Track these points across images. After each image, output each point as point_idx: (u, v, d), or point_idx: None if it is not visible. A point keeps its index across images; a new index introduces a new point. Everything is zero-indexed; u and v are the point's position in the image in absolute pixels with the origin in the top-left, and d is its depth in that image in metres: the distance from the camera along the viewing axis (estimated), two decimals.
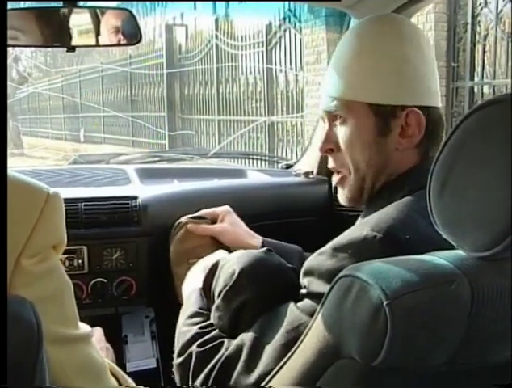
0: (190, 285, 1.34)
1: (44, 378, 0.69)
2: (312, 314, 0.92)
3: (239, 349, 1.04)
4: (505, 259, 0.80)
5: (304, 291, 1.03)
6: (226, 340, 1.10)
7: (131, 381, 1.03)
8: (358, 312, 0.78)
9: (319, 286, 0.99)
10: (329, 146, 1.22)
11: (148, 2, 11.58)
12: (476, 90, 5.63)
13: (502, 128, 0.77)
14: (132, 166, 2.12)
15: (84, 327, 0.90)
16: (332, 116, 1.21)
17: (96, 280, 1.71)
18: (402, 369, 0.81)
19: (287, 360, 0.92)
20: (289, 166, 2.19)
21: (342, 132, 1.19)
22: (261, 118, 7.67)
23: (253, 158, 3.02)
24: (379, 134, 1.16)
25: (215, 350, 1.09)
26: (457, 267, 0.79)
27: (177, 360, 1.14)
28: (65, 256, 1.66)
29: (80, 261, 1.68)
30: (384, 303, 0.75)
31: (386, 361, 0.77)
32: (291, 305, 1.03)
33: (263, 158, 3.28)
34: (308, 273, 1.03)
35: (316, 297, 0.97)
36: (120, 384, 0.98)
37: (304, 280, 1.04)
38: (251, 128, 7.83)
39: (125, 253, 1.72)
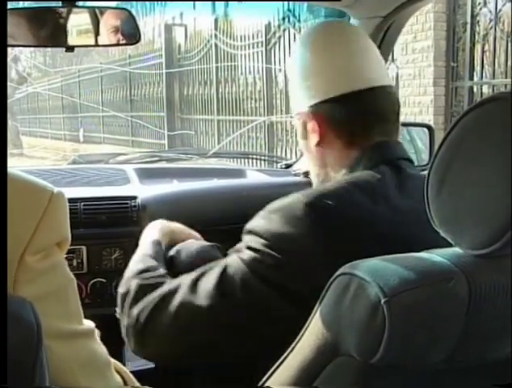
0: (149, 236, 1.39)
1: (43, 378, 0.69)
2: (249, 264, 1.02)
3: (178, 286, 1.10)
4: (503, 256, 0.81)
5: (242, 245, 1.09)
6: (168, 280, 1.15)
7: (134, 380, 1.03)
8: (356, 310, 0.79)
9: (256, 243, 1.05)
10: None
11: (147, 2, 11.59)
12: (475, 89, 5.64)
13: (500, 126, 0.77)
14: (131, 166, 2.12)
15: (88, 323, 0.90)
16: None
17: (95, 280, 1.71)
18: (400, 366, 0.81)
19: (285, 358, 0.92)
20: (288, 166, 2.19)
21: None
22: (260, 118, 7.68)
23: (252, 158, 3.02)
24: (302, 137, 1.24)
25: (156, 286, 1.14)
26: (455, 265, 0.80)
27: (119, 290, 1.22)
28: (64, 256, 1.65)
29: (79, 261, 1.69)
30: (382, 301, 0.75)
31: (384, 359, 0.77)
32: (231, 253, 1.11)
33: (262, 157, 3.28)
34: (249, 232, 1.09)
35: (254, 250, 1.04)
36: (124, 381, 0.98)
37: (245, 238, 1.10)
38: (250, 128, 7.84)
39: (124, 253, 1.72)
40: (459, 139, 0.82)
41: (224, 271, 1.05)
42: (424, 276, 0.78)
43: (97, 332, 0.92)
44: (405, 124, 2.07)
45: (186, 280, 1.09)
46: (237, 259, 1.06)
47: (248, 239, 1.08)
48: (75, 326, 0.86)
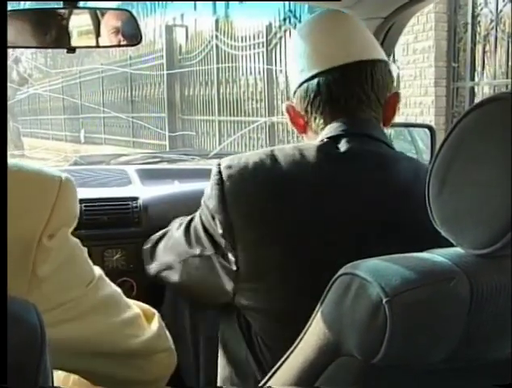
0: None
1: (47, 381, 0.69)
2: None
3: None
4: (505, 256, 0.81)
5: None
6: None
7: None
8: (358, 309, 0.79)
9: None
10: None
11: (148, 3, 11.60)
12: (476, 90, 5.64)
13: (501, 126, 0.77)
14: (132, 167, 2.12)
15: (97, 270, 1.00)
16: None
17: None
18: (402, 366, 0.81)
19: (286, 358, 0.93)
20: None
21: None
22: (261, 118, 7.68)
23: None
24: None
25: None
26: (456, 265, 0.80)
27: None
28: None
29: None
30: (384, 300, 0.75)
31: (386, 359, 0.77)
32: None
33: None
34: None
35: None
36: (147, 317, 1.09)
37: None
38: (252, 129, 7.84)
39: (126, 254, 1.72)
40: (460, 139, 0.82)
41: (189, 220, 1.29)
42: (425, 275, 0.78)
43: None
44: (407, 125, 2.08)
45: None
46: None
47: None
48: (87, 284, 0.95)
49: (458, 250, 0.84)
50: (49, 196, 0.85)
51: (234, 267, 1.13)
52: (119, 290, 1.04)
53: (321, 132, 1.19)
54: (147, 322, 1.07)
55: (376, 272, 0.79)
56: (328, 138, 1.16)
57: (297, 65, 1.22)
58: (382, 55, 1.24)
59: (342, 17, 1.28)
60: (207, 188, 1.17)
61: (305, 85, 1.19)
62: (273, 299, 1.11)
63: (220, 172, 1.13)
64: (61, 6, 1.43)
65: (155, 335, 1.05)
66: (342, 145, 1.14)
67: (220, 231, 1.13)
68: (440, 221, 0.84)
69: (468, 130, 0.82)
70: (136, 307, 1.06)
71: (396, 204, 1.12)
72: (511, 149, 0.76)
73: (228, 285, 1.15)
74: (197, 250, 1.22)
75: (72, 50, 1.46)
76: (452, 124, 0.84)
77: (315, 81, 1.18)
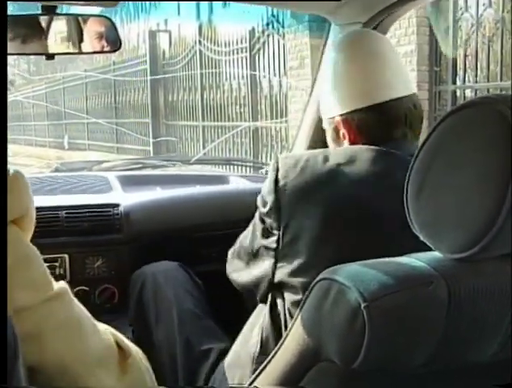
0: None
1: None
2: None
3: None
4: (482, 260, 0.81)
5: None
6: None
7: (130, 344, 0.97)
8: (337, 315, 0.79)
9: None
10: None
11: (132, 8, 11.57)
12: (458, 93, 5.67)
13: (477, 131, 0.78)
14: (114, 174, 2.11)
15: (60, 286, 0.89)
16: None
17: (78, 288, 1.70)
18: (382, 370, 0.81)
19: (268, 363, 0.93)
20: None
21: None
22: (245, 123, 7.68)
23: (236, 164, 3.02)
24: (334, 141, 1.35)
25: None
26: (434, 269, 0.80)
27: None
28: (47, 265, 1.64)
29: (61, 270, 1.68)
30: (362, 305, 0.75)
31: (365, 364, 0.77)
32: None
33: (247, 164, 3.28)
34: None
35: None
36: (120, 346, 0.94)
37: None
38: (236, 134, 7.84)
39: (107, 261, 1.72)
40: (438, 144, 0.82)
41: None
42: (403, 280, 0.78)
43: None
44: None
45: None
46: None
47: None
48: (42, 293, 0.85)
49: (436, 254, 0.84)
50: None
51: (275, 245, 1.20)
52: (89, 316, 0.92)
53: None
54: (124, 365, 0.92)
55: (355, 277, 0.79)
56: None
57: (353, 89, 1.29)
58: (413, 86, 1.36)
59: (386, 42, 1.36)
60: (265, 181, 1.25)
61: (366, 111, 1.26)
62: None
63: (277, 162, 1.21)
64: (40, 12, 1.42)
65: None
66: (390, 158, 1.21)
67: (268, 209, 1.20)
68: (418, 225, 0.84)
69: (446, 134, 0.82)
70: (111, 343, 0.92)
71: None
72: (488, 154, 0.76)
73: (268, 264, 1.22)
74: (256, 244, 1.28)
75: (51, 57, 1.46)
76: (430, 128, 0.84)
77: (376, 109, 1.26)
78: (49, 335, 0.84)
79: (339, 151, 1.24)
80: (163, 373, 1.47)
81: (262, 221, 1.24)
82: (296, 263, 1.15)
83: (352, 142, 1.27)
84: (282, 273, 1.19)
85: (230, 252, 1.44)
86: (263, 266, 1.24)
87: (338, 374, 0.82)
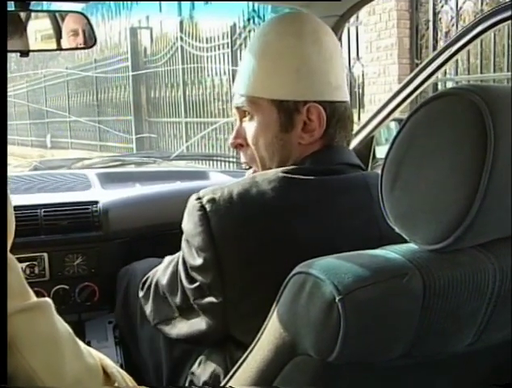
0: None
1: None
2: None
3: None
4: (457, 250, 0.81)
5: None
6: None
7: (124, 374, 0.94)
8: (312, 308, 0.78)
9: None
10: (239, 141, 1.26)
11: (113, 4, 11.50)
12: (439, 86, 5.70)
13: (448, 122, 0.77)
14: (93, 171, 2.10)
15: (39, 299, 0.84)
16: (242, 112, 1.25)
17: (58, 287, 1.69)
18: (358, 363, 0.81)
19: (245, 359, 0.92)
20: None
21: (249, 127, 1.23)
22: (228, 119, 7.67)
23: (217, 160, 3.02)
24: (282, 130, 1.19)
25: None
26: (409, 261, 0.80)
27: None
28: (26, 264, 1.64)
29: (41, 268, 1.66)
30: (337, 299, 0.75)
31: (341, 357, 0.77)
32: None
33: (228, 159, 3.28)
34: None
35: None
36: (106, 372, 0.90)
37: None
38: (218, 130, 7.83)
39: (87, 258, 1.71)
40: (411, 135, 0.82)
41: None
42: (378, 272, 0.78)
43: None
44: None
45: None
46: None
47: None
48: (17, 302, 0.80)
49: (411, 246, 0.84)
50: None
51: (220, 302, 1.07)
52: (73, 336, 0.87)
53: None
54: None
55: (329, 270, 0.79)
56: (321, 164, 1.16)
57: (314, 77, 1.19)
58: None
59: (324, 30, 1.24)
60: (188, 225, 1.10)
61: (329, 105, 1.19)
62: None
63: (203, 207, 1.07)
64: (13, 8, 1.41)
65: None
66: (321, 171, 1.14)
67: (206, 268, 1.07)
68: (393, 217, 0.84)
69: (418, 126, 0.82)
70: (95, 367, 0.88)
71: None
72: (460, 144, 0.76)
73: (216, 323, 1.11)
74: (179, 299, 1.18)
75: (25, 54, 1.44)
76: (403, 121, 0.84)
77: (337, 106, 1.20)
78: (22, 347, 0.80)
79: (269, 177, 1.12)
80: (147, 371, 1.47)
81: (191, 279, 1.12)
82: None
83: (321, 134, 1.20)
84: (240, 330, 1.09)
85: (142, 290, 1.34)
86: (205, 322, 1.12)
87: (314, 368, 0.82)
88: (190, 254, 1.10)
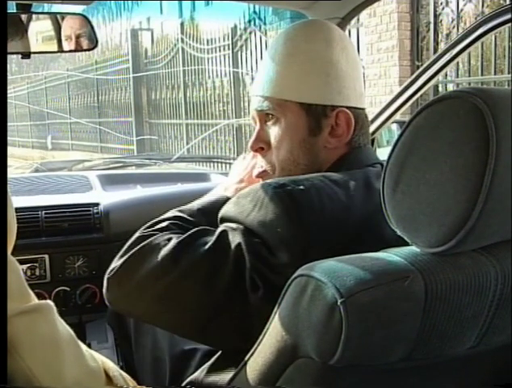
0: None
1: None
2: (220, 239, 1.03)
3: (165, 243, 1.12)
4: (459, 253, 0.81)
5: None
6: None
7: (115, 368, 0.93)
8: (314, 311, 0.78)
9: (227, 226, 1.06)
10: (260, 145, 1.25)
11: (114, 6, 11.52)
12: (440, 88, 5.70)
13: (449, 124, 0.77)
14: (94, 173, 2.11)
15: (39, 301, 0.83)
16: (264, 116, 1.23)
17: (59, 288, 1.69)
18: (360, 366, 0.81)
19: (247, 361, 0.92)
20: None
21: (274, 131, 1.21)
22: (227, 121, 7.67)
23: (218, 162, 3.02)
24: (310, 134, 1.19)
25: (149, 237, 1.18)
26: (411, 264, 0.80)
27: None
28: (27, 266, 1.64)
29: (42, 270, 1.67)
30: (339, 301, 0.75)
31: (343, 360, 0.77)
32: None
33: (229, 161, 3.28)
34: (221, 220, 1.09)
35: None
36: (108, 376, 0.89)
37: (219, 225, 1.09)
38: (219, 132, 7.82)
39: (88, 260, 1.71)
40: (413, 138, 0.82)
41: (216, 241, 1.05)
42: (380, 275, 0.78)
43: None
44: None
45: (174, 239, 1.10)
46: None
47: (221, 226, 1.08)
48: (17, 304, 0.80)
49: (413, 248, 0.84)
50: None
51: None
52: (75, 339, 0.86)
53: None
54: None
55: (331, 273, 0.79)
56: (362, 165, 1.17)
57: (346, 83, 1.21)
58: None
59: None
60: (268, 216, 1.01)
61: (356, 111, 1.21)
62: None
63: (293, 197, 1.01)
64: (15, 11, 1.41)
65: None
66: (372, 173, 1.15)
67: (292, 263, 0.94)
68: (395, 220, 0.84)
69: (420, 129, 0.82)
70: (97, 370, 0.87)
71: None
72: (461, 148, 0.76)
73: None
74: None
75: (27, 56, 1.44)
76: (405, 123, 0.84)
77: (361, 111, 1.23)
78: (22, 349, 0.80)
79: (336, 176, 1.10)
80: (146, 373, 1.47)
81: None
82: None
83: (348, 140, 1.22)
84: None
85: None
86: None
87: (316, 371, 0.82)
88: (266, 249, 1.01)
